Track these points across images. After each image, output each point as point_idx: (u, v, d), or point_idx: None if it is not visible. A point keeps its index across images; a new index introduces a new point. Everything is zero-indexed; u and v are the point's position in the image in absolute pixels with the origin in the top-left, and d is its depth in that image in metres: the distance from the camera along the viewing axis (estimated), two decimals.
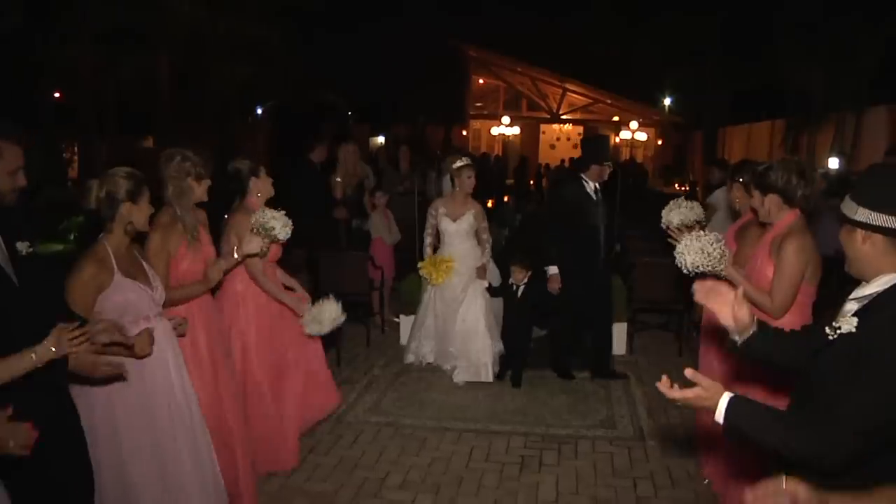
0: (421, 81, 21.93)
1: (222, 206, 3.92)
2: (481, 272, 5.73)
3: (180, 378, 3.11)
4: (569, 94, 25.14)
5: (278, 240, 3.67)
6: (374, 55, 21.81)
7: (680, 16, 16.05)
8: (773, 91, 14.22)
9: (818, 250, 3.12)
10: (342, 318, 4.05)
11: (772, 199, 3.15)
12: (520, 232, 9.08)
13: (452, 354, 5.68)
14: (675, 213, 3.87)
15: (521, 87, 25.89)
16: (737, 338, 2.18)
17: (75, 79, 14.52)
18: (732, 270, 3.19)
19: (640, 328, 6.83)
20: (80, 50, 13.76)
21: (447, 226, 5.71)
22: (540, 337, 6.13)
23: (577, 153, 27.67)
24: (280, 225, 3.62)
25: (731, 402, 1.84)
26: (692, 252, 3.10)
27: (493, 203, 13.44)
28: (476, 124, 26.68)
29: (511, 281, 5.70)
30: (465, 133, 25.54)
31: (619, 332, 6.42)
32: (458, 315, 5.65)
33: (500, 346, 5.69)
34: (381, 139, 22.53)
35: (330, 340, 6.14)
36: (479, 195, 6.03)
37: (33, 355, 2.08)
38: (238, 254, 3.57)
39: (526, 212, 14.25)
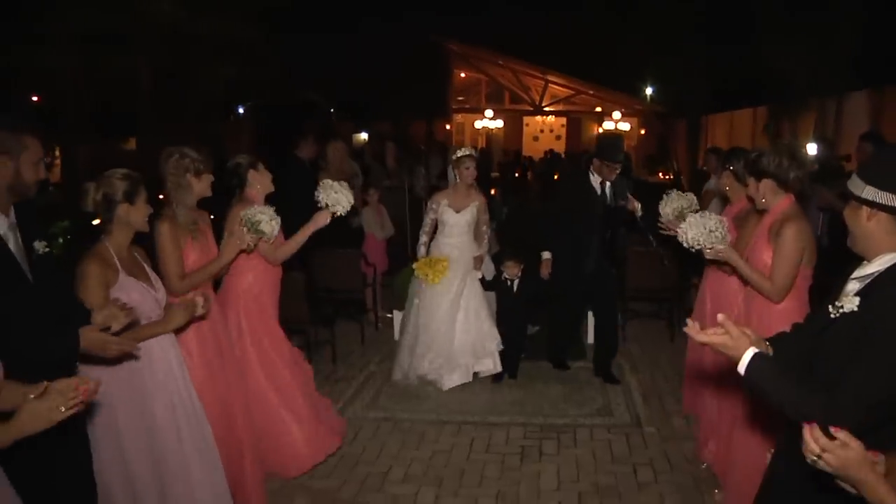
0: (403, 77, 21.86)
1: (223, 203, 3.91)
2: (478, 262, 5.65)
3: (184, 381, 3.10)
4: (551, 85, 25.18)
5: (264, 234, 3.60)
6: (354, 51, 21.72)
7: (661, 4, 16.08)
8: (754, 78, 14.29)
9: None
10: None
11: (766, 185, 3.20)
12: (507, 224, 9.12)
13: (455, 356, 5.46)
14: (668, 204, 4.01)
15: (502, 80, 25.89)
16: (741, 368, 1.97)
17: (53, 81, 14.34)
18: (732, 252, 3.25)
19: (632, 316, 6.90)
20: (58, 52, 13.59)
21: (449, 217, 5.54)
22: (532, 334, 6.12)
23: (560, 145, 27.64)
24: (266, 219, 3.58)
25: (754, 357, 1.91)
26: (695, 227, 3.21)
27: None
28: (459, 118, 26.65)
29: (505, 276, 5.69)
30: (448, 127, 25.50)
31: None
32: (461, 305, 5.49)
33: (498, 340, 5.53)
34: (364, 135, 22.45)
35: (326, 338, 6.20)
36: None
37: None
38: (232, 247, 3.57)
39: (513, 204, 14.30)
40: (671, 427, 4.78)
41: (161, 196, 3.46)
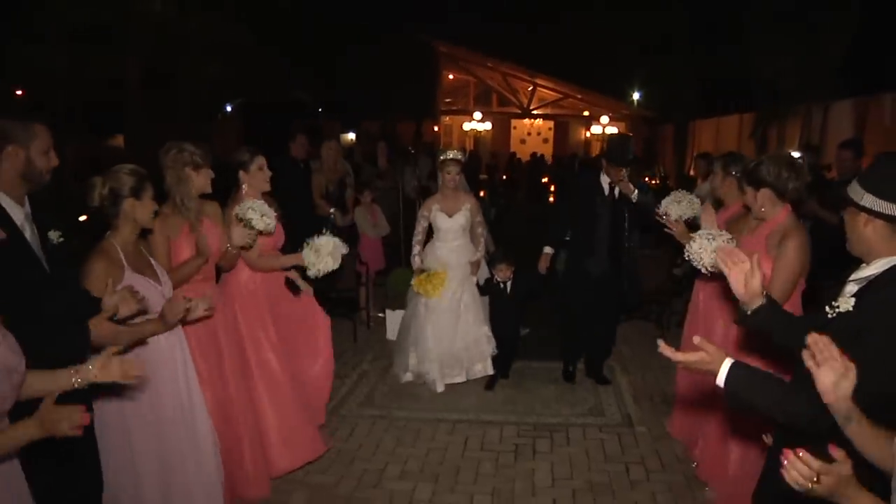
0: (391, 77, 21.86)
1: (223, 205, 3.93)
2: (475, 268, 5.60)
3: (185, 378, 3.13)
4: (539, 89, 25.34)
5: (257, 229, 3.61)
6: (343, 52, 21.72)
7: (649, 10, 16.24)
8: (741, 84, 14.46)
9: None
10: (343, 249, 4.07)
11: (764, 194, 3.22)
12: (496, 226, 9.19)
13: (458, 358, 5.48)
14: (676, 208, 4.09)
15: (491, 83, 26.01)
16: (745, 307, 2.25)
17: (40, 77, 14.26)
18: None
19: (623, 319, 6.96)
20: (45, 49, 13.52)
21: (442, 222, 5.51)
22: (524, 335, 6.16)
23: (547, 148, 27.64)
24: (258, 216, 3.60)
25: (731, 367, 1.97)
26: (710, 252, 3.31)
27: None
28: (447, 120, 26.70)
29: (497, 279, 5.62)
30: (436, 129, 25.54)
31: None
32: (460, 309, 5.48)
33: (493, 344, 5.53)
34: (351, 135, 22.44)
35: None
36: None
37: (76, 379, 2.05)
38: (231, 245, 3.60)
39: (500, 205, 14.36)
40: (662, 427, 4.85)
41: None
